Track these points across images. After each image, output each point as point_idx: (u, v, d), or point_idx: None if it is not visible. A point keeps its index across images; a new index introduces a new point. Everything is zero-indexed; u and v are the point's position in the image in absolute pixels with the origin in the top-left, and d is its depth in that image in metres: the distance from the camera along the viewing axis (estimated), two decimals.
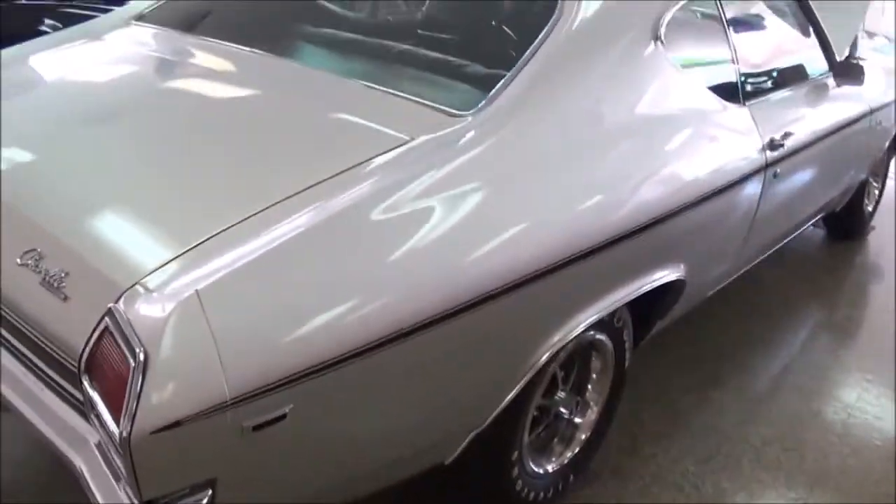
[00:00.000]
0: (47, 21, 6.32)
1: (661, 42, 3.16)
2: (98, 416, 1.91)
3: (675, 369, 4.32)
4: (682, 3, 3.39)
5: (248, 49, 3.29)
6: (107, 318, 1.86)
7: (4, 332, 2.31)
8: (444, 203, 2.33)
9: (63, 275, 2.06)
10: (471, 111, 2.62)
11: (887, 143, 5.78)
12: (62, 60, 3.49)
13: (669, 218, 2.99)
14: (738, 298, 5.13)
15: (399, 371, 2.22)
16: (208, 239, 1.99)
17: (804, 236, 6.20)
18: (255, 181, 2.32)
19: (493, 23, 3.51)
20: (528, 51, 2.82)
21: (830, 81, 4.60)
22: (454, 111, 2.62)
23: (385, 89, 2.85)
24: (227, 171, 2.43)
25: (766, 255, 4.60)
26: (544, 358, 2.62)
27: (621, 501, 3.37)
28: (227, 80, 3.21)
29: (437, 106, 2.67)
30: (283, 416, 1.95)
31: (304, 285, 2.03)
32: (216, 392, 1.82)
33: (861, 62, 4.78)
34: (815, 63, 4.60)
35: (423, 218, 2.27)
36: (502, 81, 2.72)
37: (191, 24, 3.65)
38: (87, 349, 1.89)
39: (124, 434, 1.77)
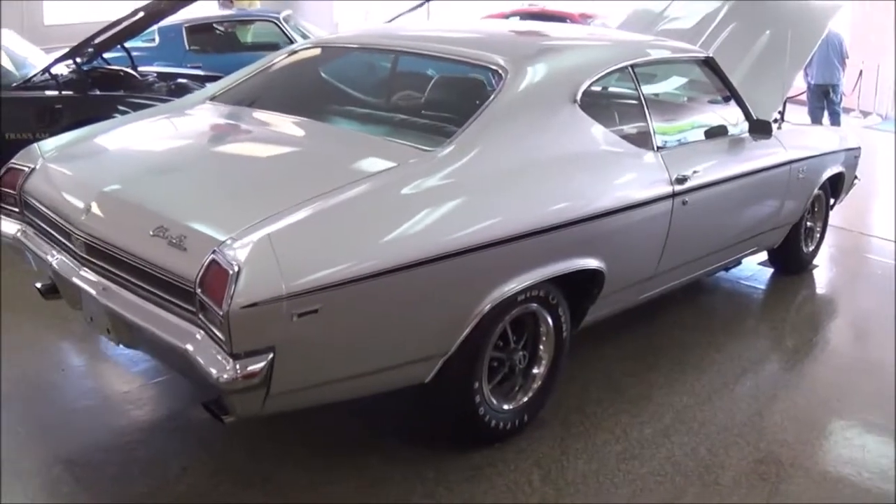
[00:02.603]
0: (120, 108, 7.74)
1: (578, 103, 4.57)
2: (205, 307, 3.31)
3: (622, 359, 5.51)
4: (598, 76, 4.86)
5: (292, 115, 4.81)
6: (213, 255, 3.28)
7: (129, 277, 3.76)
8: (417, 199, 3.81)
9: (183, 237, 3.50)
10: (438, 148, 4.08)
11: (814, 191, 6.97)
12: (161, 125, 5.05)
13: (586, 221, 4.37)
14: (688, 316, 6.42)
15: (391, 296, 3.62)
16: (270, 216, 3.43)
17: (755, 271, 7.50)
18: (297, 188, 3.76)
19: (459, 93, 5.05)
20: (478, 111, 4.31)
21: (748, 137, 5.91)
22: (427, 148, 4.10)
23: (384, 137, 4.48)
24: (281, 182, 3.96)
25: (695, 274, 5.89)
26: (488, 307, 3.95)
27: (565, 440, 4.55)
28: (280, 133, 4.76)
29: (416, 146, 4.17)
30: (316, 311, 3.33)
31: (329, 237, 3.49)
32: (277, 289, 3.22)
33: (776, 121, 6.14)
34: (738, 122, 5.95)
35: (404, 206, 3.76)
36: (459, 130, 4.20)
37: (250, 100, 5.15)
38: (201, 273, 3.31)
39: (226, 309, 3.15)
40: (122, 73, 8.98)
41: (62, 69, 8.44)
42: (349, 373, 3.72)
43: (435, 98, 5.12)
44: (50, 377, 5.00)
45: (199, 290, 3.34)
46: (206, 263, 3.32)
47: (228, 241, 3.32)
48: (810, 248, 7.55)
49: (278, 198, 3.62)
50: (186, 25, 12.45)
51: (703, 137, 5.65)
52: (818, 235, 7.63)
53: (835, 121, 13.86)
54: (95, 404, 4.71)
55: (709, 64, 5.91)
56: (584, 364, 5.24)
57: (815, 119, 13.89)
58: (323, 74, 5.66)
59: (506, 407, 4.37)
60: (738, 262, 6.74)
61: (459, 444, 4.36)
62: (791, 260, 7.39)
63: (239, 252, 3.27)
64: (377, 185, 3.79)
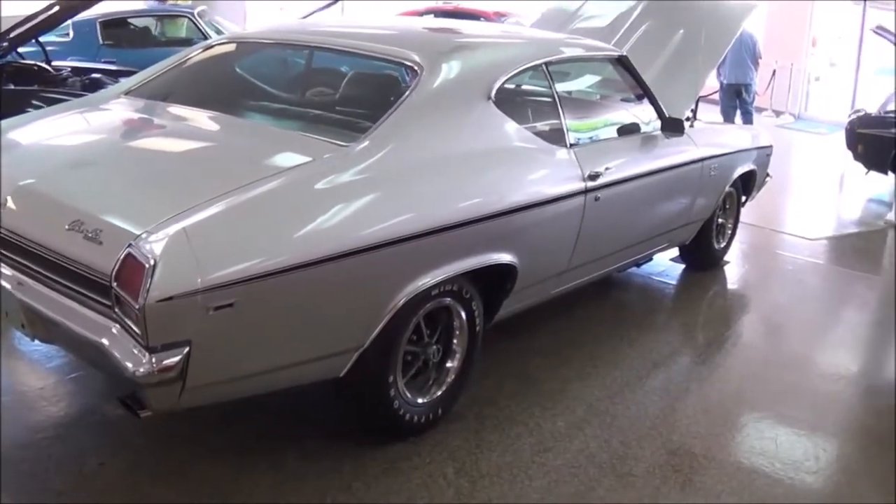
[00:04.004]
0: (34, 102, 7.64)
1: (492, 100, 4.62)
2: (121, 301, 3.31)
3: (536, 353, 5.57)
4: (512, 73, 4.92)
5: (208, 110, 4.80)
6: (128, 249, 3.27)
7: (44, 272, 3.73)
8: (332, 194, 3.82)
9: (98, 231, 3.47)
10: (353, 143, 4.10)
11: (726, 188, 7.11)
12: (76, 120, 5.01)
13: (500, 216, 4.42)
14: (601, 311, 6.54)
15: (306, 290, 3.65)
16: (186, 210, 3.42)
17: (667, 267, 7.62)
18: (213, 182, 3.75)
19: (374, 89, 5.10)
20: (394, 106, 4.33)
21: (660, 134, 6.01)
22: (342, 143, 4.11)
23: (299, 132, 4.50)
24: (197, 176, 3.97)
25: (607, 269, 6.00)
26: (402, 301, 3.98)
27: (479, 433, 4.59)
28: (195, 128, 4.74)
29: (332, 141, 4.17)
30: (232, 305, 3.35)
31: (245, 231, 3.49)
32: (193, 283, 3.22)
33: (689, 119, 6.27)
34: (650, 119, 6.06)
35: (319, 200, 3.76)
36: (374, 125, 4.23)
37: (165, 95, 5.12)
38: (117, 266, 3.29)
39: (142, 303, 3.16)
40: (35, 68, 8.87)
41: None
42: (265, 366, 3.73)
43: (350, 94, 5.15)
44: None
45: (114, 284, 3.33)
46: (121, 257, 3.31)
47: (144, 235, 3.32)
48: (722, 245, 7.71)
49: (194, 192, 3.63)
50: (101, 20, 12.33)
51: (615, 135, 5.75)
52: (730, 232, 7.80)
53: (747, 120, 14.08)
54: (9, 401, 4.63)
55: (622, 62, 6.00)
56: (498, 358, 5.29)
57: (728, 118, 14.11)
58: (238, 70, 5.65)
59: (420, 401, 4.41)
60: (650, 258, 6.84)
61: (375, 437, 4.38)
62: (702, 256, 7.54)
63: (155, 245, 3.28)
64: (292, 179, 3.81)
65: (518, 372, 5.30)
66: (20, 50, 8.81)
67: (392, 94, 4.58)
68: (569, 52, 5.75)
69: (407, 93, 4.45)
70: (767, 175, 8.06)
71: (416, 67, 4.60)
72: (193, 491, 3.99)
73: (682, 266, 7.70)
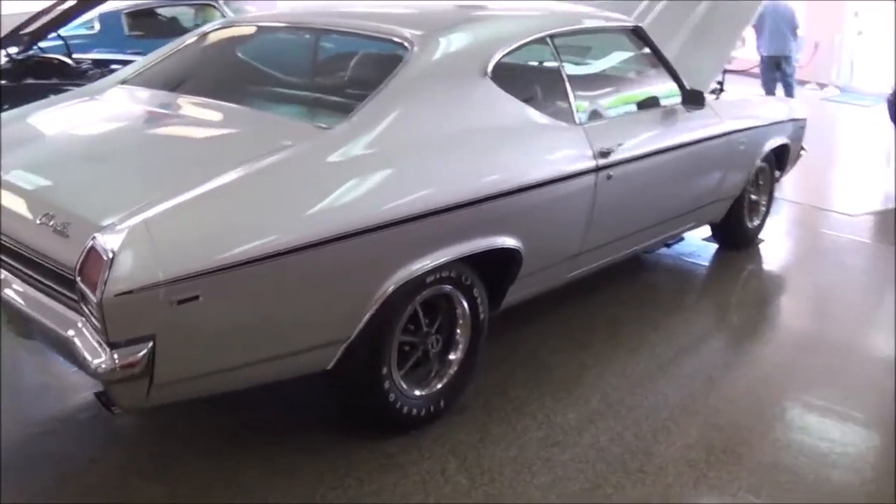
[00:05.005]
0: (52, 95, 7.51)
1: (489, 76, 4.42)
2: (83, 295, 3.17)
3: (552, 338, 5.35)
4: (511, 48, 4.69)
5: (198, 97, 4.66)
6: (91, 241, 3.13)
7: (22, 267, 3.63)
8: (310, 179, 3.67)
9: (66, 224, 3.36)
10: (334, 126, 3.93)
11: (756, 163, 6.83)
12: (68, 111, 4.88)
13: (501, 197, 4.21)
14: (627, 293, 6.27)
15: (275, 282, 3.46)
16: (153, 201, 3.30)
17: (698, 247, 7.35)
18: (186, 171, 3.67)
19: (366, 68, 4.91)
20: (380, 86, 4.15)
21: (680, 108, 5.75)
22: (323, 126, 3.94)
23: (282, 116, 4.44)
24: (172, 166, 3.87)
25: (629, 251, 5.75)
26: (391, 288, 3.79)
27: (486, 425, 4.38)
28: (183, 116, 4.60)
29: (314, 124, 4.05)
30: (197, 297, 3.20)
31: (211, 221, 3.36)
32: (153, 276, 3.08)
33: (714, 91, 6.02)
34: (669, 93, 5.82)
35: (293, 185, 3.63)
36: (357, 107, 4.05)
37: (160, 83, 4.97)
38: (80, 260, 3.15)
39: (100, 297, 3.03)
40: (56, 62, 8.81)
41: None
42: (241, 361, 3.56)
43: (344, 74, 4.98)
44: None
45: (78, 278, 3.21)
46: (85, 250, 3.18)
47: (108, 227, 3.19)
48: (755, 223, 7.40)
49: (165, 182, 3.50)
50: (125, 11, 12.22)
51: (630, 110, 5.54)
52: (763, 209, 7.48)
53: (789, 92, 13.79)
54: (9, 395, 4.54)
55: (637, 33, 5.75)
56: (512, 345, 5.10)
57: (769, 91, 13.85)
58: (235, 55, 5.48)
59: (418, 393, 4.21)
60: (680, 238, 6.61)
61: (372, 431, 4.20)
62: (735, 235, 7.24)
63: (114, 238, 3.13)
64: (266, 165, 3.63)
65: (531, 358, 5.08)
66: (42, 45, 8.74)
67: (385, 74, 4.35)
68: (576, 24, 5.48)
69: (394, 72, 4.24)
70: (802, 149, 7.74)
71: (405, 44, 4.41)
72: (181, 486, 3.85)
73: (715, 246, 7.40)
